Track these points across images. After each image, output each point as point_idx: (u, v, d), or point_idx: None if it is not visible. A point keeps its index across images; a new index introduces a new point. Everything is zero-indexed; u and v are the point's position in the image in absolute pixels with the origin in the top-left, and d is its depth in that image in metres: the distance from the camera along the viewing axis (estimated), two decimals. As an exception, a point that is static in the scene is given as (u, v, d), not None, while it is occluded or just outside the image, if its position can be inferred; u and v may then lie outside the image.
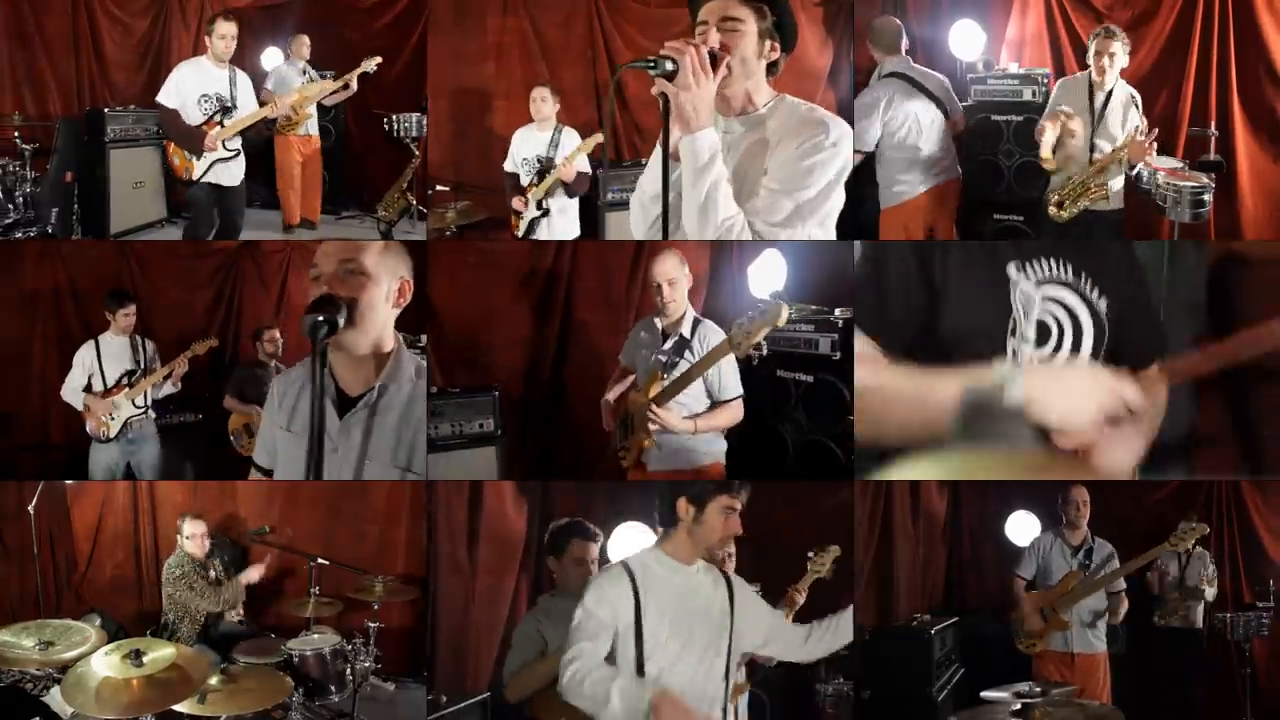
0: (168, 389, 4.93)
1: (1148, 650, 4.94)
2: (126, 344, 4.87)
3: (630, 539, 3.85)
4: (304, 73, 5.88)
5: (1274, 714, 4.92)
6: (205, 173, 4.93)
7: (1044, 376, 2.13)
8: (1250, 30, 4.86)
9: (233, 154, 4.95)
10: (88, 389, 4.79)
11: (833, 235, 2.47)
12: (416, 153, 5.66)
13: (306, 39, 5.89)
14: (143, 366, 4.87)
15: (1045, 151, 4.58)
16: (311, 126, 5.93)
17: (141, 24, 6.02)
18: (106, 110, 5.66)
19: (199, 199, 5.00)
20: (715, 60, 2.30)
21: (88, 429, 4.79)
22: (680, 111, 2.26)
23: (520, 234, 5.07)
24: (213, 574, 4.65)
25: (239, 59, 5.10)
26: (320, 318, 2.02)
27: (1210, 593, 4.86)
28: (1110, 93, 4.58)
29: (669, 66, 2.24)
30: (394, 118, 5.73)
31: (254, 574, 4.73)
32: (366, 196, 6.11)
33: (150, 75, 5.99)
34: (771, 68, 2.46)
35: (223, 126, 4.89)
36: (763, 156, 2.39)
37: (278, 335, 5.21)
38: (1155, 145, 4.45)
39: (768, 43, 2.42)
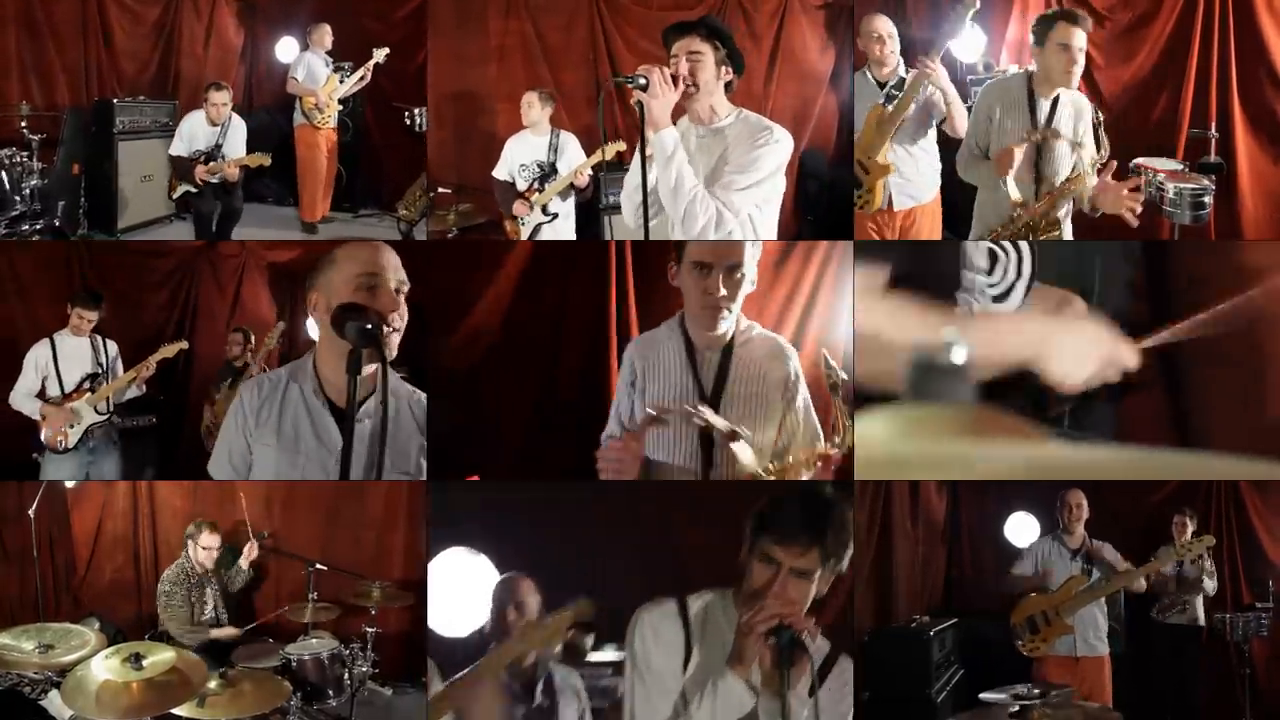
0: (132, 393, 4.60)
1: (1148, 649, 4.95)
2: (86, 345, 4.50)
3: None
4: (327, 63, 5.80)
5: (1274, 714, 4.93)
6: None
7: (1041, 330, 2.35)
8: (1251, 32, 4.84)
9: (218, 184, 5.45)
10: (40, 394, 4.44)
11: (774, 217, 3.01)
12: (440, 148, 5.47)
13: (328, 28, 5.81)
14: (105, 369, 4.53)
15: (1016, 193, 3.70)
16: (330, 120, 5.86)
17: (152, 12, 5.86)
18: (115, 101, 5.53)
19: (202, 193, 5.48)
20: (676, 80, 2.95)
21: (43, 438, 4.45)
22: (650, 114, 2.90)
23: (524, 238, 5.04)
24: (209, 609, 4.56)
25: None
26: (369, 325, 2.05)
27: (1210, 585, 4.85)
28: (1057, 98, 3.74)
29: (643, 81, 2.89)
30: (415, 112, 5.50)
31: (226, 633, 4.51)
32: (385, 194, 5.90)
33: (160, 65, 5.87)
34: (728, 87, 3.04)
35: (206, 166, 5.31)
36: (725, 154, 2.99)
37: (245, 338, 5.05)
38: (1138, 193, 3.55)
39: (723, 69, 3.01)
